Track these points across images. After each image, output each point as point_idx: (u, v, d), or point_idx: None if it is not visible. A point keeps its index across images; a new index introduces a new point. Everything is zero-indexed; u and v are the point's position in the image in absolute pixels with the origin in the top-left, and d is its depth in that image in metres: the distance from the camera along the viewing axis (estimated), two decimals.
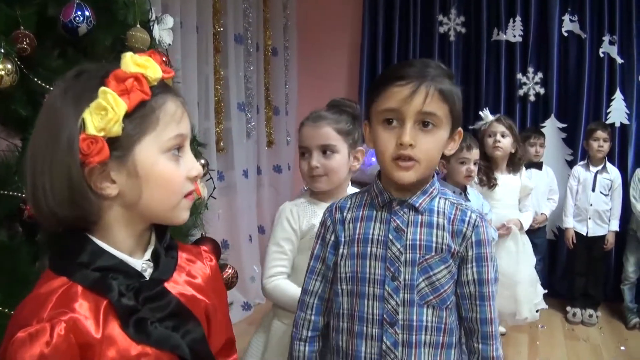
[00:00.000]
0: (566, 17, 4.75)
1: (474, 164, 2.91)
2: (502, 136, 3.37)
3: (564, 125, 4.80)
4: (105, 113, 0.87)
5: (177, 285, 1.01)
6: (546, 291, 3.49)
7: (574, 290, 4.37)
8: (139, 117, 0.90)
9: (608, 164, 4.25)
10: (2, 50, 1.45)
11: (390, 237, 1.28)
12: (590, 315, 4.22)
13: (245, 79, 4.32)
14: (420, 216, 1.29)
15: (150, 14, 1.83)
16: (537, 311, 3.37)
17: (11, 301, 1.37)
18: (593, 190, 4.19)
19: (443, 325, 1.29)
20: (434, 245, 1.28)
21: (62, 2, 1.60)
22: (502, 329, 3.79)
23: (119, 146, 0.89)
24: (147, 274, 0.97)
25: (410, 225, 1.29)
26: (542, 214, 4.21)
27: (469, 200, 2.92)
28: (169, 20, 1.94)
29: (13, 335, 0.84)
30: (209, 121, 3.94)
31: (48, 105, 0.93)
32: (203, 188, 1.94)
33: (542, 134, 4.44)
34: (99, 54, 1.72)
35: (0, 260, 1.49)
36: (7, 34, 1.51)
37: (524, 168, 3.67)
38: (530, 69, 4.81)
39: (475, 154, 2.92)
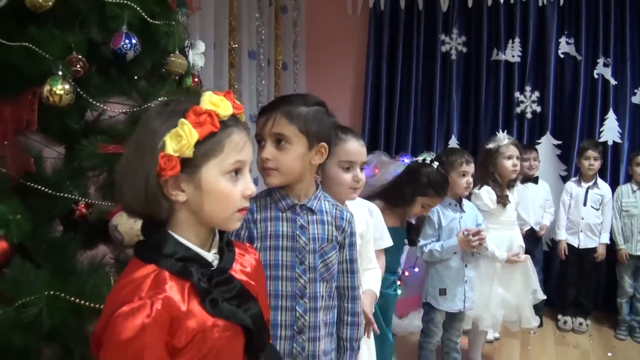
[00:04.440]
0: (563, 40, 4.99)
1: (472, 176, 3.10)
2: (517, 159, 3.54)
3: (559, 142, 5.02)
4: (180, 139, 1.09)
5: (235, 273, 1.24)
6: (545, 297, 3.64)
7: (565, 299, 4.58)
8: (208, 144, 1.12)
9: (599, 180, 4.47)
10: (61, 73, 1.68)
11: (297, 232, 1.64)
12: (581, 324, 4.43)
13: (257, 92, 4.54)
14: (315, 216, 1.67)
15: (187, 41, 2.06)
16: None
17: (61, 286, 1.60)
18: (584, 204, 4.41)
19: (332, 293, 1.71)
20: (327, 237, 1.68)
21: (108, 30, 1.83)
22: (496, 335, 3.98)
23: (190, 165, 1.12)
24: (215, 264, 1.20)
25: (309, 223, 1.66)
26: (543, 225, 4.45)
27: (464, 212, 3.14)
28: (201, 46, 2.18)
29: (114, 311, 1.04)
30: None
31: (143, 123, 1.17)
32: None
33: (535, 149, 4.65)
34: (140, 76, 1.95)
35: (51, 253, 1.71)
36: (62, 58, 1.73)
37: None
38: (528, 88, 5.04)
39: (472, 167, 3.10)
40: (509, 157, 3.51)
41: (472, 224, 3.11)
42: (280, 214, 1.65)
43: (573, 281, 4.57)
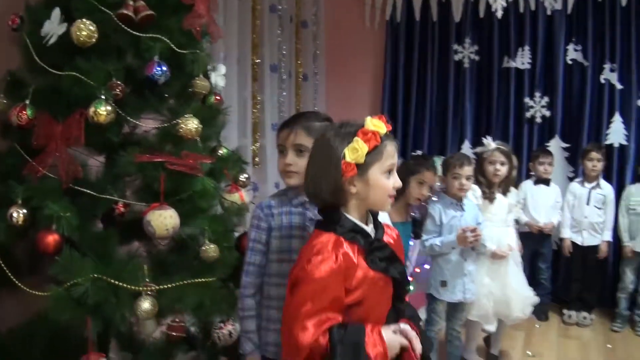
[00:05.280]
0: (570, 47, 5.23)
1: (467, 179, 3.37)
2: (502, 164, 3.75)
3: (567, 145, 5.26)
4: (356, 151, 1.57)
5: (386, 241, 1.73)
6: (534, 292, 3.87)
7: (570, 294, 4.84)
8: (374, 153, 1.59)
9: (601, 181, 4.72)
10: (104, 97, 2.03)
11: (307, 223, 1.97)
12: (585, 317, 4.69)
13: (279, 103, 4.87)
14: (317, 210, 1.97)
15: (210, 65, 2.41)
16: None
17: (103, 271, 1.95)
18: (587, 204, 4.66)
19: None
20: None
21: (142, 58, 2.18)
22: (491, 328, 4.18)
23: (362, 168, 1.59)
24: (372, 235, 1.66)
25: (317, 216, 1.96)
26: (550, 222, 4.68)
27: (464, 211, 3.43)
28: (222, 68, 2.54)
29: (309, 259, 1.54)
30: (246, 139, 4.49)
31: (325, 141, 1.64)
32: (246, 195, 2.50)
33: (551, 154, 4.88)
34: (169, 95, 2.30)
35: (95, 244, 2.07)
36: (104, 83, 2.08)
37: (513, 188, 4.05)
38: (537, 94, 5.29)
39: (467, 170, 3.37)
40: (492, 162, 3.73)
41: (472, 222, 3.37)
42: (293, 208, 2.00)
43: (577, 277, 4.82)
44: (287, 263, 1.93)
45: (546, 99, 5.29)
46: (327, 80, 5.83)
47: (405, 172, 3.06)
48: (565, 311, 4.80)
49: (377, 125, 1.59)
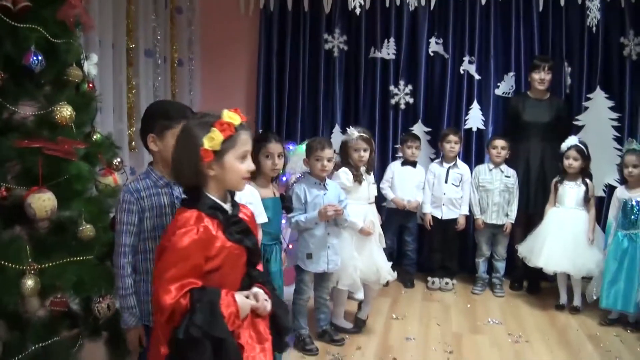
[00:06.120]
0: (432, 40, 5.66)
1: (327, 160, 3.66)
2: (364, 150, 4.07)
3: (429, 129, 5.69)
4: (212, 139, 1.80)
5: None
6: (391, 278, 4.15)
7: (433, 263, 5.32)
8: (229, 142, 1.82)
9: (459, 161, 5.21)
10: None
11: (175, 202, 2.22)
12: (447, 283, 5.18)
13: (154, 88, 4.97)
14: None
15: (82, 54, 2.51)
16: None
17: None
18: (446, 182, 5.12)
19: None
20: None
21: (20, 48, 2.25)
22: (360, 296, 4.51)
23: (218, 154, 1.82)
24: (229, 211, 1.91)
25: (181, 195, 2.18)
26: (415, 201, 5.12)
27: (327, 190, 3.73)
28: (94, 57, 2.65)
29: (174, 232, 1.77)
30: (122, 123, 4.55)
31: (187, 129, 1.88)
32: (119, 178, 2.63)
33: (419, 138, 5.28)
34: (46, 83, 2.39)
35: None
36: None
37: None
38: (402, 82, 5.68)
39: (327, 152, 3.66)
40: (356, 150, 4.05)
41: (334, 201, 3.69)
42: (160, 189, 2.25)
43: (439, 247, 5.30)
44: (158, 240, 2.11)
45: (410, 87, 5.68)
46: (203, 66, 5.98)
47: (253, 151, 3.28)
48: (429, 278, 5.25)
49: (232, 117, 1.83)
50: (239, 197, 2.53)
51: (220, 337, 1.72)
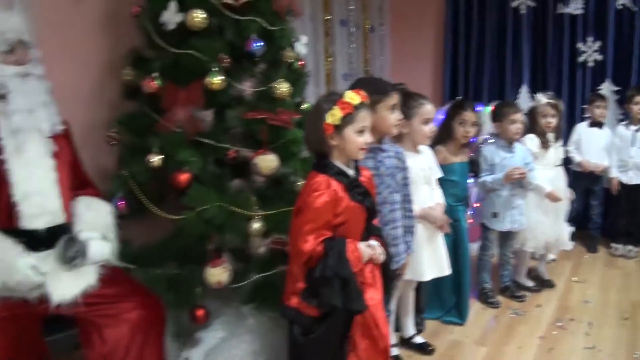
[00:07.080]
0: None
1: (520, 123, 3.82)
2: (552, 117, 4.13)
3: (618, 89, 5.46)
4: (333, 115, 2.12)
5: (362, 181, 2.30)
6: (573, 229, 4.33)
7: (617, 229, 5.19)
8: (348, 117, 2.14)
9: None
10: (217, 68, 2.63)
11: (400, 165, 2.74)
12: (630, 250, 5.04)
13: (349, 55, 5.43)
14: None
15: (295, 37, 2.98)
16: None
17: (222, 199, 2.61)
18: (632, 145, 4.93)
19: None
20: None
21: (242, 37, 2.75)
22: (553, 256, 4.67)
23: (339, 127, 2.15)
24: (352, 176, 2.22)
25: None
26: (601, 164, 5.01)
27: (514, 153, 3.86)
28: (304, 39, 3.12)
29: (309, 194, 2.13)
30: (319, 89, 5.05)
31: (317, 105, 2.23)
32: None
33: (606, 99, 5.13)
34: (263, 64, 2.89)
35: (215, 181, 2.73)
36: (215, 58, 2.67)
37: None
38: (590, 39, 5.51)
39: (519, 116, 3.83)
40: (544, 116, 4.12)
41: (520, 163, 3.82)
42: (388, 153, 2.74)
43: (624, 213, 5.12)
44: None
45: (598, 43, 5.49)
46: (392, 31, 6.23)
47: (447, 117, 3.57)
48: (612, 244, 5.16)
49: (352, 97, 2.15)
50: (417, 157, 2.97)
51: (346, 277, 2.09)
